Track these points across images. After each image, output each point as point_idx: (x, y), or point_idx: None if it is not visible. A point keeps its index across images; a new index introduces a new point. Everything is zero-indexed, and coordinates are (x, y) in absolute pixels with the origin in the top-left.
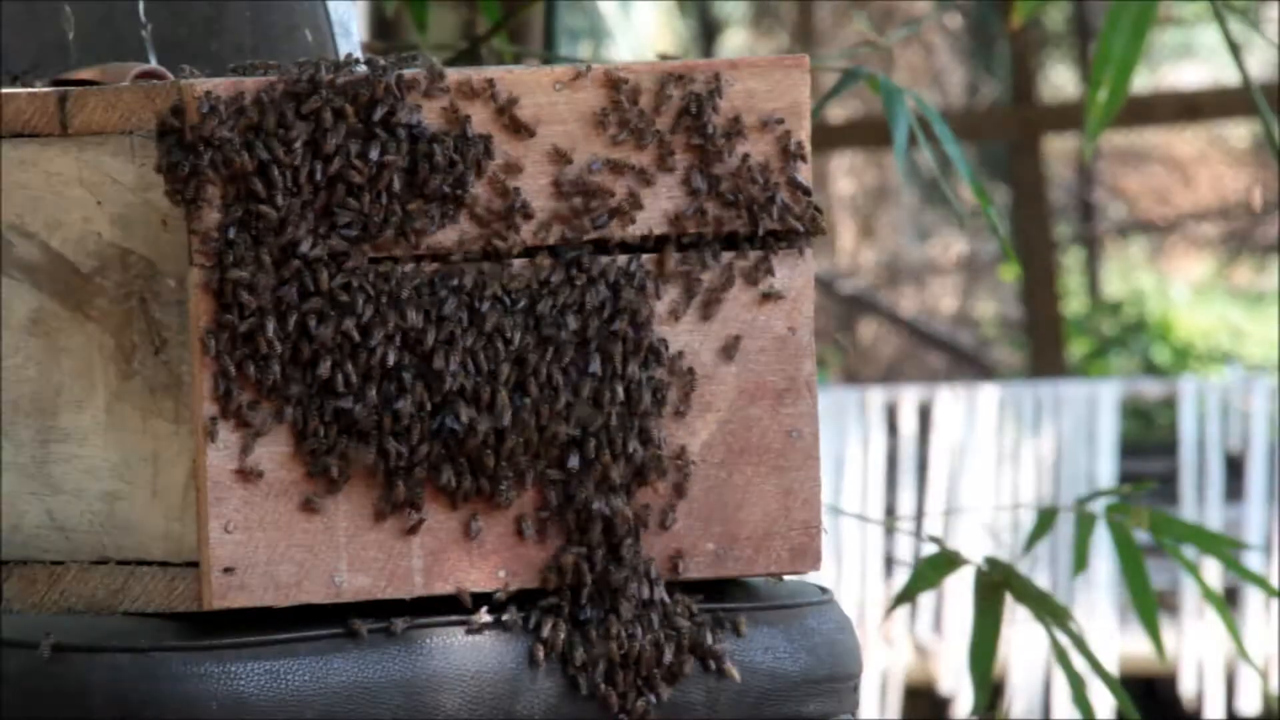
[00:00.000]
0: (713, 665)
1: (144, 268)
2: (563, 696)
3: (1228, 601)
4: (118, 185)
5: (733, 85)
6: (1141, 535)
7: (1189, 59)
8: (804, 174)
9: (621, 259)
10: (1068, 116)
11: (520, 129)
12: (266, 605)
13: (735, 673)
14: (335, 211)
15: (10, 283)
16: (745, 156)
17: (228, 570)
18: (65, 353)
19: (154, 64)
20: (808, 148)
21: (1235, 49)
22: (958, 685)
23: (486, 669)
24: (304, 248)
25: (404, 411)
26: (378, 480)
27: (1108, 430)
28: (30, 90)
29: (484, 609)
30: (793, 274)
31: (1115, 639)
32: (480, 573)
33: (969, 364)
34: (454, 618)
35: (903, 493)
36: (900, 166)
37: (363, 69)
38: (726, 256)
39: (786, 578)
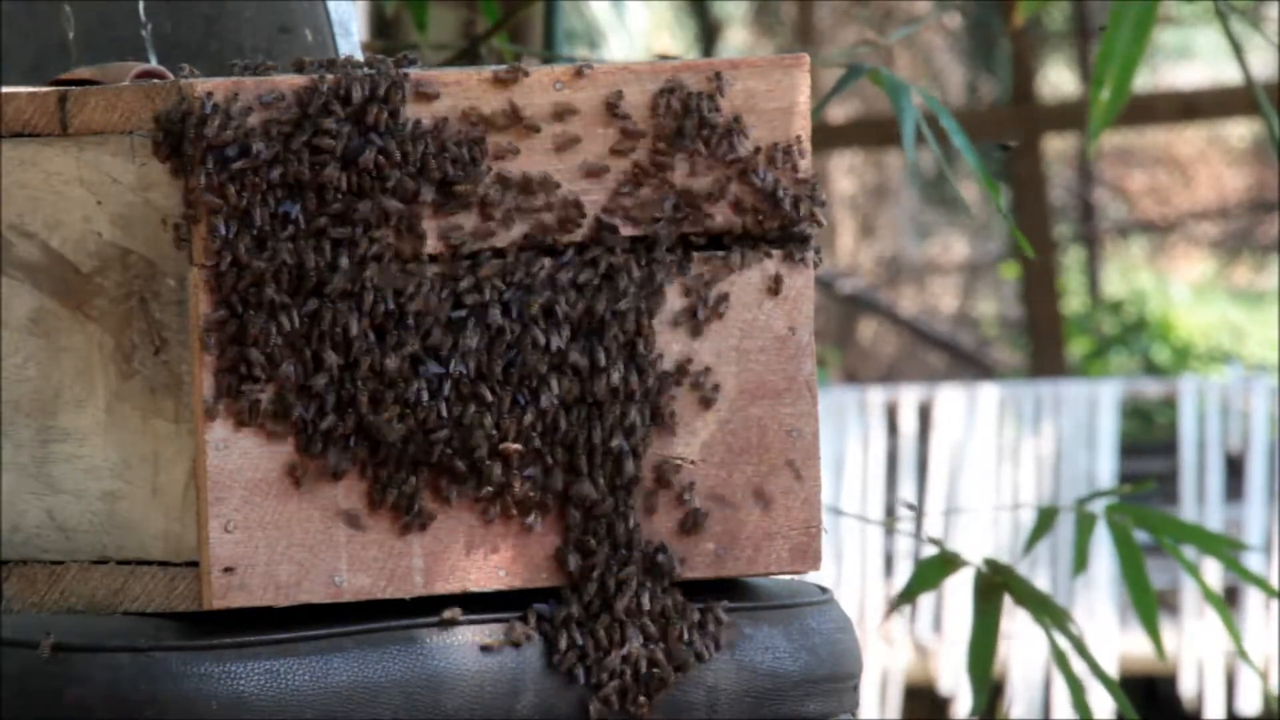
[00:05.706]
0: (711, 663)
1: (144, 268)
2: (563, 696)
3: (1227, 601)
4: (118, 185)
5: (733, 85)
6: (1141, 535)
7: (1189, 59)
8: (804, 173)
9: (621, 258)
10: (1068, 116)
11: (524, 128)
12: (266, 605)
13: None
14: (338, 210)
15: (10, 283)
16: (745, 156)
17: (228, 570)
18: (65, 353)
19: (154, 64)
20: (808, 147)
21: (1238, 47)
22: (957, 685)
23: (486, 669)
24: (306, 247)
25: (405, 411)
26: (378, 480)
27: (1108, 430)
28: (30, 90)
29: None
30: (793, 273)
31: (1115, 639)
32: (481, 572)
33: (969, 364)
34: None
35: (903, 493)
36: (910, 158)
37: (364, 69)
38: (726, 256)
39: (786, 578)
